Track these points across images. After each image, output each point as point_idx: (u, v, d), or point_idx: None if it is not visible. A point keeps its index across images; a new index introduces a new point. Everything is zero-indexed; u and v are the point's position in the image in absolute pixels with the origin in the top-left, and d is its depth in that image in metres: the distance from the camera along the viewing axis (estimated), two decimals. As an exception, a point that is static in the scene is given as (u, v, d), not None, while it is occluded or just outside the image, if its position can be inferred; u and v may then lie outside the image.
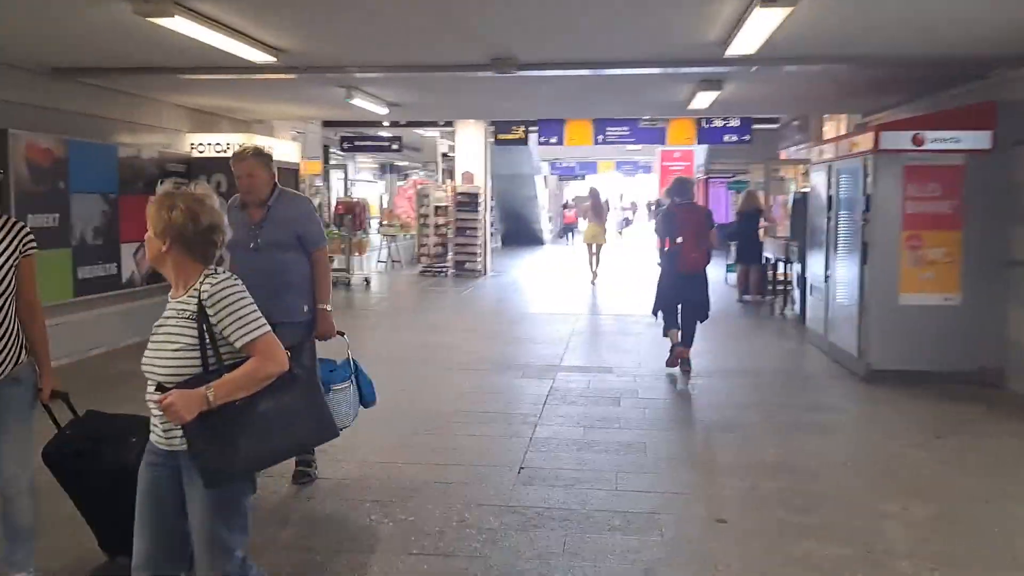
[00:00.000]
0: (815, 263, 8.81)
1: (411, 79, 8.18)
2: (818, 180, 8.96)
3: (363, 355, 4.45)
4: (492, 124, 16.49)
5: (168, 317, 2.44)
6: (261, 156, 4.29)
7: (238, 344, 2.38)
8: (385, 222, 18.39)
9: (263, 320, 2.42)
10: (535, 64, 7.15)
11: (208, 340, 2.36)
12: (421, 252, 16.28)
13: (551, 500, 4.33)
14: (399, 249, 17.93)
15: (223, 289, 2.38)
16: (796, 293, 10.75)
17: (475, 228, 15.88)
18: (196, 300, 2.37)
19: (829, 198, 8.25)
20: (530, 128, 16.48)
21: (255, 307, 2.42)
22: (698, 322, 7.39)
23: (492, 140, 16.58)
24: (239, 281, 2.43)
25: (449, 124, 16.84)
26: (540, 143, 16.39)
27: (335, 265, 14.71)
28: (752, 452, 5.24)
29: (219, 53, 6.24)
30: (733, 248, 13.33)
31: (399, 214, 18.45)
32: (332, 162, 21.97)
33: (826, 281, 8.24)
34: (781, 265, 11.64)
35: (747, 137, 16.16)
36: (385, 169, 26.94)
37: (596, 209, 16.06)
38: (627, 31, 5.91)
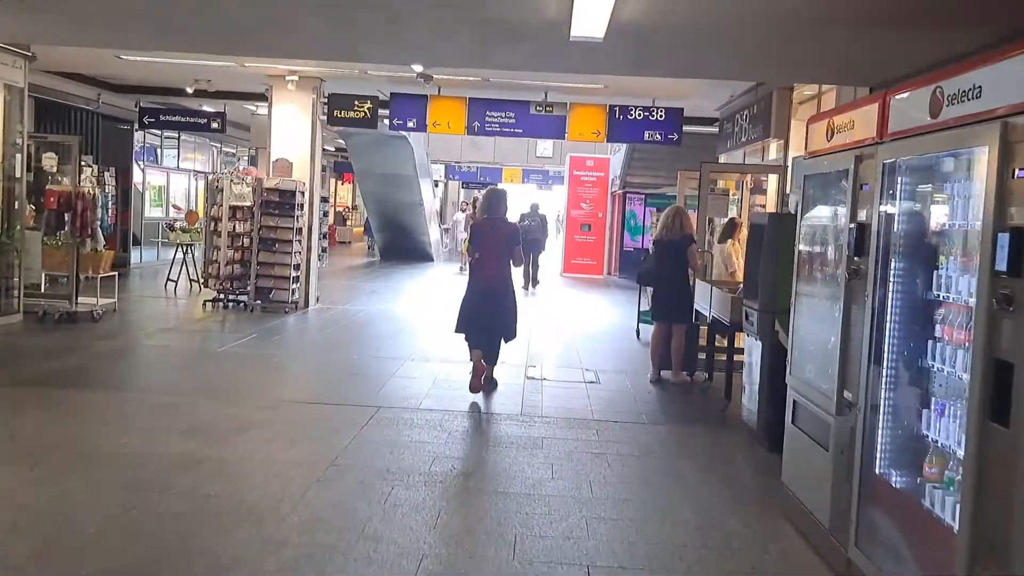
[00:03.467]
0: (815, 360, 4.40)
1: None
2: (817, 192, 4.54)
3: None
4: (325, 99, 11.67)
5: None
6: None
7: None
8: (181, 225, 13.28)
9: None
10: None
11: None
12: (208, 271, 11.26)
13: None
14: (197, 264, 12.84)
15: None
16: (749, 378, 6.34)
17: (287, 240, 10.99)
18: None
19: (859, 231, 3.77)
20: (381, 107, 11.77)
21: None
22: (504, 341, 7.17)
23: (324, 119, 11.76)
24: None
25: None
26: (393, 127, 11.68)
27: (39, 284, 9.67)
28: None
29: None
30: (648, 297, 8.91)
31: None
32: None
33: (848, 411, 3.78)
34: (721, 325, 7.28)
35: (675, 136, 11.86)
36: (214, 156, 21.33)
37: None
38: None
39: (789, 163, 8.53)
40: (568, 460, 5.33)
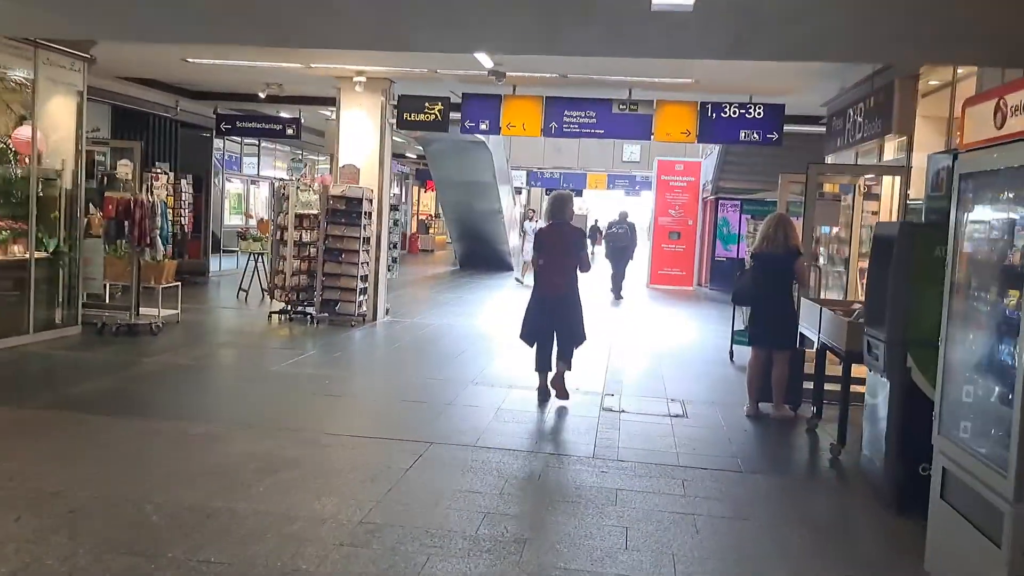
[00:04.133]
0: (976, 417, 3.35)
1: None
2: (981, 196, 3.48)
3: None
4: (395, 102, 11.05)
5: None
6: None
7: None
8: (252, 234, 12.94)
9: None
10: None
11: None
12: (275, 282, 10.79)
13: None
14: (266, 274, 12.45)
15: None
16: (872, 420, 5.25)
17: (354, 251, 10.39)
18: None
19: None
20: (453, 110, 11.06)
21: None
22: (575, 347, 6.96)
23: (393, 122, 11.14)
24: None
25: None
26: (464, 129, 10.96)
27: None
28: None
29: None
30: (744, 315, 7.83)
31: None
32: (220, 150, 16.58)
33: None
34: (833, 355, 6.19)
35: (774, 136, 10.67)
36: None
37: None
38: None
39: (914, 163, 7.31)
40: (646, 521, 4.39)
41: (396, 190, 28.38)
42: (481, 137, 17.43)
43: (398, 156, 25.87)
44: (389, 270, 11.54)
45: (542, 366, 6.91)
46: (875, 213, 9.12)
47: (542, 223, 7.22)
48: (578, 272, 6.84)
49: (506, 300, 15.02)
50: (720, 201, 18.63)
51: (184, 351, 8.62)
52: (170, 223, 9.55)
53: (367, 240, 10.51)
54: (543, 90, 10.72)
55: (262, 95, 12.57)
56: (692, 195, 19.81)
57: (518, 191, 29.51)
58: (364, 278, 10.57)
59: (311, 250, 10.58)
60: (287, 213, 10.49)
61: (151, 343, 8.77)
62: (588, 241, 7.56)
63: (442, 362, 8.90)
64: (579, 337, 6.97)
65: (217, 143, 16.11)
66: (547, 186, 27.76)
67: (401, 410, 6.79)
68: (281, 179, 15.64)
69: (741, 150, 16.39)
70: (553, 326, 6.84)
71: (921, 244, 4.59)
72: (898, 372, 4.70)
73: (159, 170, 12.87)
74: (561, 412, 6.80)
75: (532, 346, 6.96)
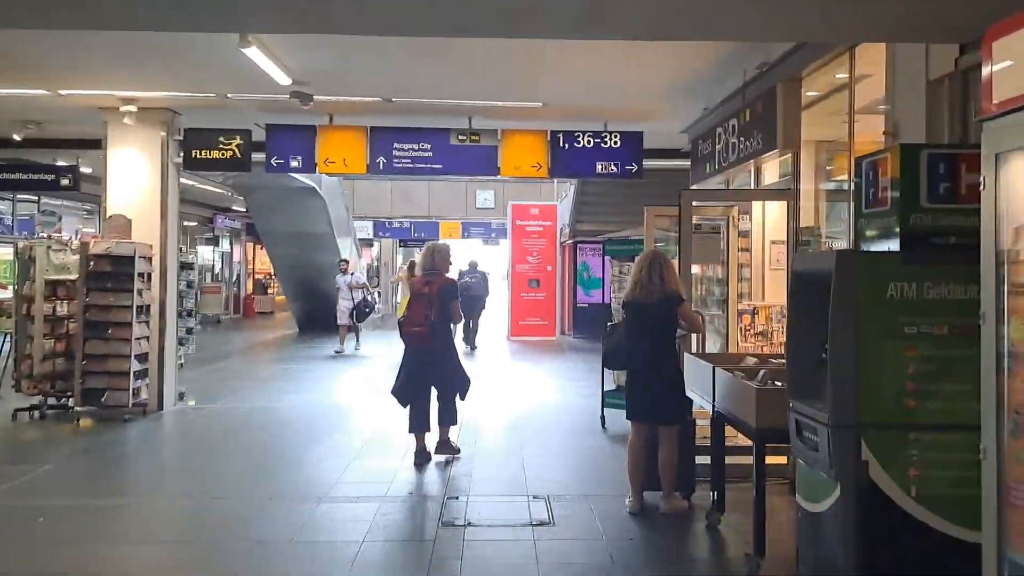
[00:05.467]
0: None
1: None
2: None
3: None
4: (180, 135, 8.92)
5: None
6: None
7: None
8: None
9: None
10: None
11: None
12: (22, 371, 8.25)
13: None
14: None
15: None
16: (811, 537, 3.71)
17: (125, 323, 8.09)
18: None
19: None
20: (255, 149, 9.07)
21: None
22: (457, 397, 6.66)
23: (179, 161, 9.00)
24: None
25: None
26: (271, 167, 9.03)
27: None
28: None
29: None
30: (614, 377, 6.29)
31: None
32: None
33: None
34: (733, 427, 4.68)
35: (633, 167, 9.40)
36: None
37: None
38: None
39: (803, 185, 6.08)
40: None
41: (227, 247, 25.66)
42: (309, 182, 15.44)
43: (223, 210, 23.26)
44: (182, 344, 9.25)
45: (419, 425, 6.52)
46: (745, 250, 7.95)
47: (418, 273, 6.84)
48: (449, 323, 6.67)
49: (344, 368, 12.94)
50: (579, 244, 17.51)
51: None
52: None
53: (143, 309, 8.24)
54: (367, 119, 8.99)
55: (18, 137, 10.10)
56: (550, 240, 18.61)
57: (368, 244, 27.50)
58: (142, 357, 8.27)
59: (69, 326, 8.18)
60: (34, 281, 8.07)
61: None
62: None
63: (237, 467, 6.72)
64: (460, 383, 6.69)
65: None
66: (396, 236, 25.93)
67: (150, 560, 4.64)
68: (27, 237, 12.62)
69: (597, 189, 15.33)
70: (428, 380, 6.58)
71: (870, 280, 3.14)
72: (850, 470, 3.19)
73: None
74: (388, 528, 4.96)
75: (405, 406, 6.60)
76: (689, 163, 9.11)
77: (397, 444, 6.90)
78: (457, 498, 5.60)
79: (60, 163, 11.80)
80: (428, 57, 6.78)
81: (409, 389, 6.55)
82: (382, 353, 13.84)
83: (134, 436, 7.70)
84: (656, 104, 8.51)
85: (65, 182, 11.70)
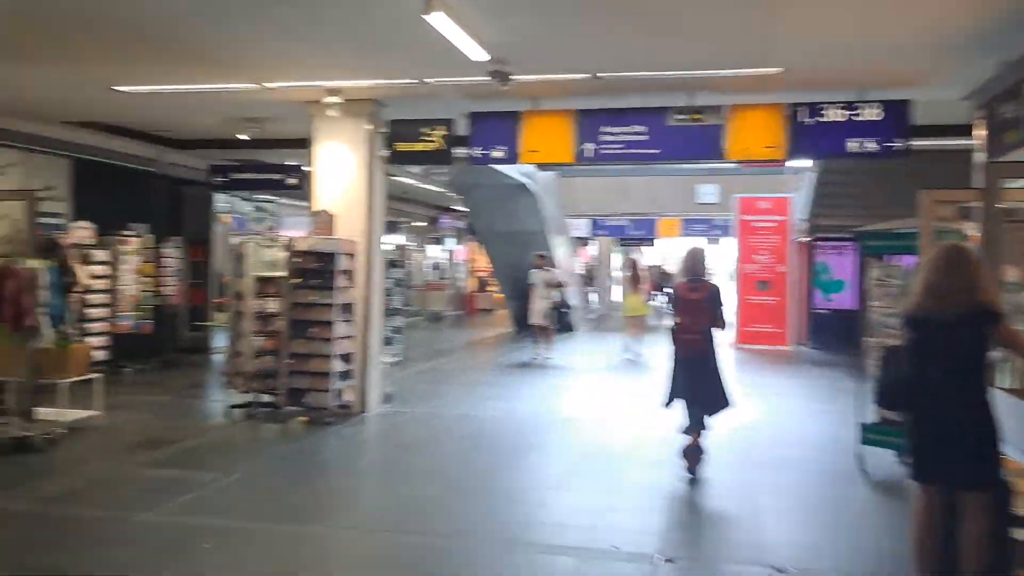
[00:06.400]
0: None
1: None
2: None
3: None
4: (386, 127, 8.62)
5: None
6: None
7: None
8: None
9: None
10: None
11: None
12: (233, 367, 8.34)
13: None
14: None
15: None
16: None
17: (326, 321, 7.87)
18: None
19: None
20: (455, 136, 8.57)
21: None
22: (714, 415, 6.45)
23: (386, 154, 8.69)
24: None
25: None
26: (475, 159, 8.47)
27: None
28: None
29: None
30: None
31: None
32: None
33: None
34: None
35: (898, 144, 7.69)
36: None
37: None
38: None
39: None
40: None
41: (451, 246, 26.18)
42: (523, 179, 14.95)
43: (446, 209, 23.68)
44: (388, 343, 8.94)
45: (694, 424, 6.37)
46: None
47: (680, 279, 6.66)
48: (714, 330, 6.44)
49: (560, 377, 12.11)
50: (817, 243, 15.47)
51: (58, 479, 6.11)
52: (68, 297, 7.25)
53: (346, 307, 7.97)
54: (572, 102, 8.12)
55: (244, 136, 10.43)
56: (782, 237, 16.67)
57: (583, 242, 26.86)
58: (346, 357, 8.01)
59: (275, 322, 8.12)
60: (243, 277, 8.09)
61: (22, 465, 6.34)
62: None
63: (439, 489, 6.02)
64: (718, 404, 6.44)
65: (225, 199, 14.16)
66: (613, 234, 24.95)
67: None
68: (243, 234, 12.94)
69: (842, 177, 13.35)
70: (688, 387, 6.45)
71: None
72: None
73: (130, 232, 10.84)
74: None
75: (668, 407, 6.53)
76: (968, 141, 7.21)
77: (604, 470, 5.91)
78: (671, 559, 4.49)
79: (287, 163, 12.21)
80: (638, 15, 5.76)
81: (680, 396, 6.49)
82: (578, 364, 12.91)
83: (331, 443, 7.35)
84: (926, 65, 6.83)
85: (293, 181, 12.07)
